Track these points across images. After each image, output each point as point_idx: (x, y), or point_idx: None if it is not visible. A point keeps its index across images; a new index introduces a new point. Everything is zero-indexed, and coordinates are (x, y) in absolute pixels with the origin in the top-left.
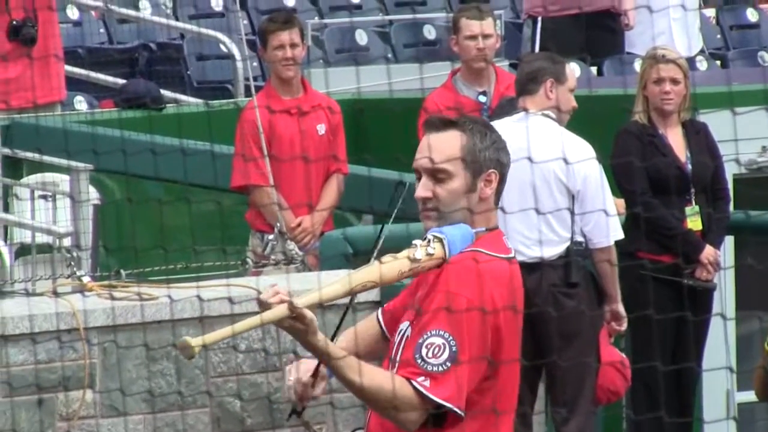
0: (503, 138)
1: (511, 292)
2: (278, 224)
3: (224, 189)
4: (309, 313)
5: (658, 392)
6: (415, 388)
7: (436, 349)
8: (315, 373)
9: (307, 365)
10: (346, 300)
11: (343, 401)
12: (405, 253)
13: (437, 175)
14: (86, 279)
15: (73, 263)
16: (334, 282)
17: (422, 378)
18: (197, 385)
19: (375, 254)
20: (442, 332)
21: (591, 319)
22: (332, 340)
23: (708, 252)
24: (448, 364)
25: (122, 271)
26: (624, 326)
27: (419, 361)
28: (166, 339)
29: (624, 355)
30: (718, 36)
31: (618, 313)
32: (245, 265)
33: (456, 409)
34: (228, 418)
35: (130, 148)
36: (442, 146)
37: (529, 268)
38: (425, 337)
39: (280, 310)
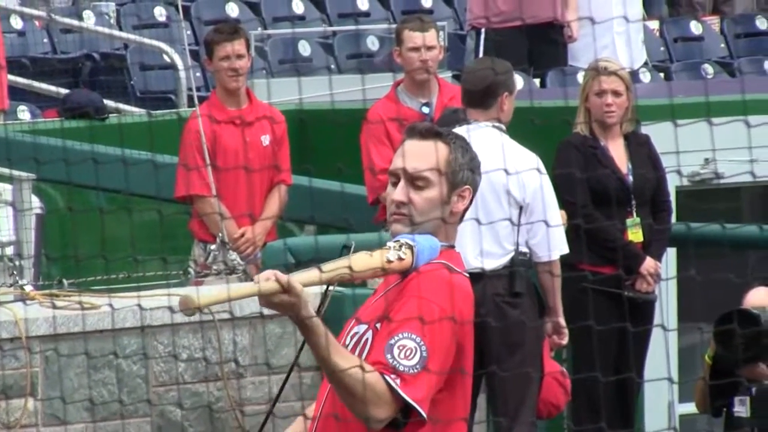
0: (478, 158)
1: (465, 305)
2: (221, 234)
3: (167, 199)
4: (299, 285)
5: (599, 404)
6: (388, 384)
7: (408, 351)
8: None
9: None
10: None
11: (284, 411)
12: (379, 252)
13: (416, 182)
14: (28, 288)
15: (15, 272)
16: (306, 271)
17: (394, 376)
18: (139, 394)
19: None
20: (414, 336)
21: (534, 330)
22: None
23: (648, 264)
24: (418, 367)
25: (64, 280)
26: (565, 340)
27: (391, 360)
28: (108, 348)
29: (564, 368)
30: (662, 48)
31: (559, 326)
32: (187, 275)
33: (423, 413)
34: (169, 427)
35: (73, 157)
36: (425, 154)
37: (474, 278)
38: (397, 338)
39: (272, 284)
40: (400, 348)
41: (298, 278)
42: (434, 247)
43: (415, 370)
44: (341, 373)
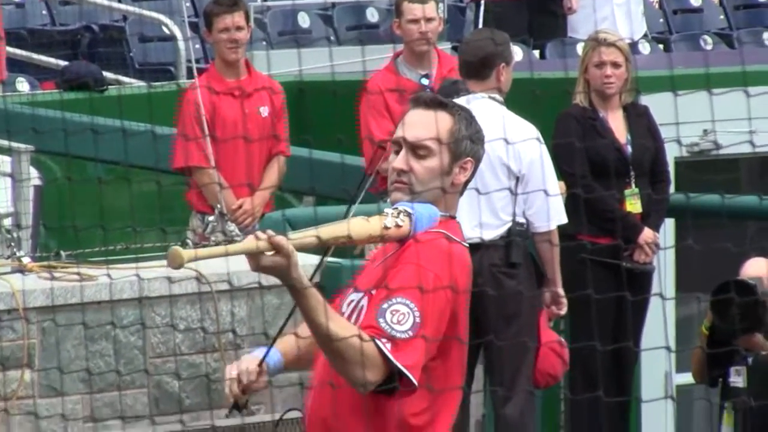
0: (482, 130)
1: (462, 274)
2: (219, 205)
3: (165, 170)
4: (289, 246)
5: (596, 374)
6: (378, 348)
7: (401, 317)
8: (259, 363)
9: (248, 361)
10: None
11: (281, 380)
12: (377, 218)
13: (418, 151)
14: (26, 260)
15: (13, 244)
16: (304, 232)
17: (385, 340)
18: (135, 365)
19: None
20: (407, 301)
21: (531, 300)
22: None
23: (646, 234)
24: (410, 333)
25: (62, 252)
26: (564, 310)
27: (383, 324)
28: (105, 319)
29: (561, 338)
30: (661, 20)
31: (558, 296)
32: (185, 246)
33: (413, 379)
34: (166, 398)
35: (72, 129)
36: (429, 124)
37: (471, 249)
38: (390, 302)
39: (257, 243)
40: (393, 312)
41: (293, 241)
42: (433, 215)
43: (407, 335)
44: (330, 336)
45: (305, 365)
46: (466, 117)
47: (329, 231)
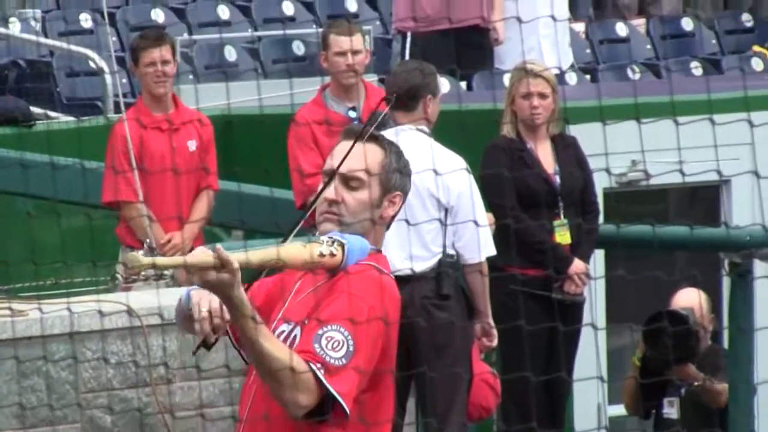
0: (409, 165)
1: (395, 307)
2: (148, 239)
3: (94, 205)
4: (236, 263)
5: (528, 405)
6: (313, 372)
7: (336, 344)
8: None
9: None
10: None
11: (213, 415)
12: (311, 245)
13: (350, 183)
14: None
15: None
16: (235, 254)
17: (319, 365)
18: (68, 400)
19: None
20: (342, 329)
21: (462, 332)
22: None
23: (576, 265)
24: (344, 360)
25: None
26: (494, 342)
27: (318, 349)
28: (36, 354)
29: (494, 370)
30: (588, 50)
31: (489, 327)
32: (115, 281)
33: (346, 407)
34: None
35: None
36: (361, 156)
37: (401, 281)
38: (325, 329)
39: (204, 257)
40: (328, 339)
41: (236, 257)
42: (364, 248)
43: (341, 362)
44: (267, 356)
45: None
46: (396, 151)
47: (261, 253)
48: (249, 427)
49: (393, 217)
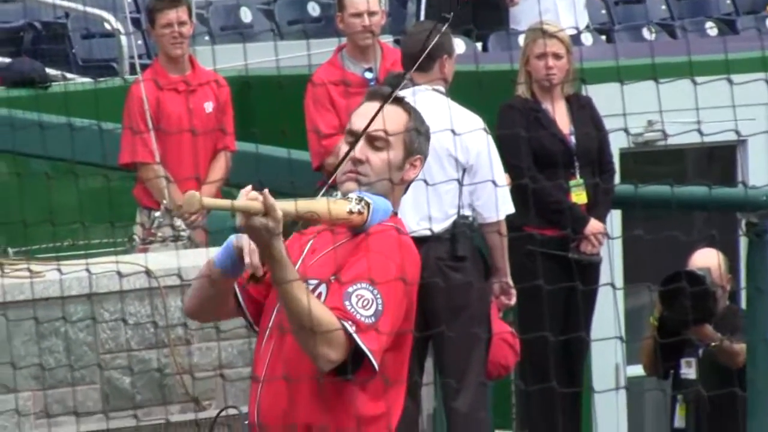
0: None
1: (419, 270)
2: (164, 201)
3: (111, 166)
4: (280, 212)
5: (547, 364)
6: (345, 328)
7: (366, 302)
8: None
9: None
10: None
11: (232, 375)
12: (343, 201)
13: (375, 143)
14: None
15: None
16: (283, 202)
17: (351, 322)
18: (86, 362)
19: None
20: (372, 288)
21: (479, 292)
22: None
23: (593, 225)
24: (373, 319)
25: (9, 248)
26: (513, 300)
27: (349, 307)
28: (54, 315)
29: (512, 329)
30: (603, 11)
31: (507, 286)
32: (132, 242)
33: (375, 363)
34: (117, 394)
35: (18, 125)
36: (388, 117)
37: (417, 242)
38: (356, 287)
39: (253, 203)
40: (359, 297)
41: (278, 204)
42: (387, 209)
43: (371, 320)
44: (302, 310)
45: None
46: (419, 117)
47: (306, 204)
48: (269, 388)
49: (411, 181)
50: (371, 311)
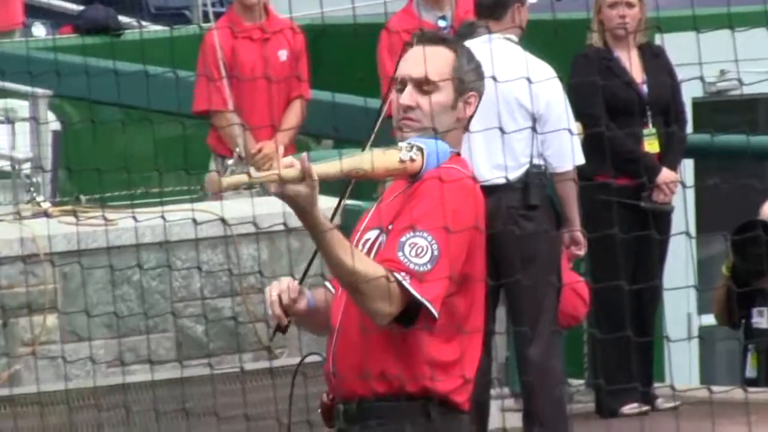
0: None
1: (481, 211)
2: (238, 149)
3: (185, 114)
4: (316, 176)
5: (619, 313)
6: (398, 280)
7: (419, 249)
8: (300, 281)
9: (288, 282)
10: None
11: None
12: (393, 151)
13: (423, 87)
14: (46, 204)
15: (32, 189)
16: (326, 162)
17: (404, 273)
18: (158, 310)
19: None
20: (425, 234)
21: (550, 241)
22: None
23: (665, 174)
24: (429, 266)
25: (82, 196)
26: (583, 250)
27: (402, 257)
28: (127, 263)
29: (583, 279)
30: None
31: (577, 237)
32: (205, 190)
33: (434, 311)
34: (189, 342)
35: (93, 72)
36: (432, 59)
37: (488, 191)
38: (409, 236)
39: (293, 171)
40: (412, 245)
41: (317, 168)
42: (444, 151)
43: (426, 268)
44: (349, 269)
45: (323, 320)
46: (466, 52)
47: (350, 162)
48: (343, 336)
49: (470, 118)
50: (425, 258)
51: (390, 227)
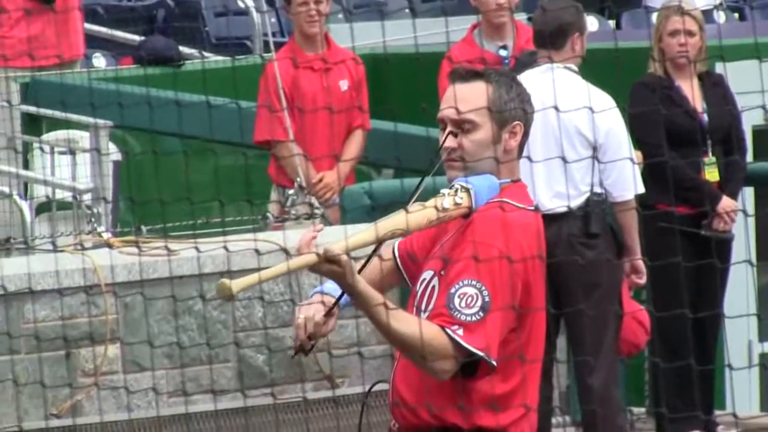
0: (527, 90)
1: (539, 241)
2: (299, 179)
3: (246, 144)
4: (343, 256)
5: (680, 342)
6: (449, 336)
7: (469, 299)
8: (327, 312)
9: (315, 307)
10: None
11: (367, 354)
12: (432, 201)
13: (463, 126)
14: (106, 235)
15: (93, 219)
16: (362, 230)
17: (456, 327)
18: (219, 339)
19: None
20: (474, 282)
21: (611, 270)
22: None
23: (725, 203)
24: (481, 314)
25: (143, 226)
26: (644, 279)
27: (452, 311)
28: (188, 293)
29: (643, 308)
30: None
31: (639, 266)
32: (266, 220)
33: (491, 360)
34: (251, 372)
35: (155, 103)
36: (468, 96)
37: (549, 219)
38: (457, 287)
39: (307, 258)
40: (461, 296)
41: (351, 241)
42: (493, 186)
43: (478, 317)
44: (400, 337)
45: (388, 287)
46: (505, 81)
47: (386, 226)
48: (403, 367)
49: (521, 146)
50: (476, 308)
51: (443, 273)
